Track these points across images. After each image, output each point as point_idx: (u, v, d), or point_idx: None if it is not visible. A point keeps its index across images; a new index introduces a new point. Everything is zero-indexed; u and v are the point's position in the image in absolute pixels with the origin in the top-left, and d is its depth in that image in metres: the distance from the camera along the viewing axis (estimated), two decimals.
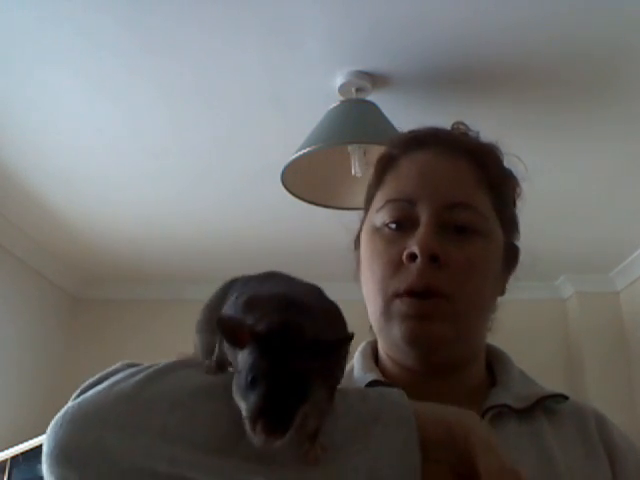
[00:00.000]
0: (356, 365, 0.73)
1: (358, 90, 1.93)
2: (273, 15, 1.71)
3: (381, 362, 0.73)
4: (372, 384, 0.67)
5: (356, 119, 1.85)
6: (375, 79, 1.94)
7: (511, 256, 0.73)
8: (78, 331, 3.47)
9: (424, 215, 0.66)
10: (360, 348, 0.76)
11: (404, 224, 0.67)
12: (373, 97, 1.95)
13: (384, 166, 0.74)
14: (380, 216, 0.69)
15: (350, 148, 1.86)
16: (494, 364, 0.73)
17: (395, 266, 0.66)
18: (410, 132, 0.75)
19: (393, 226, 0.68)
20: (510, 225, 0.73)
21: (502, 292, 0.73)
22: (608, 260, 3.33)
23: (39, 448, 2.61)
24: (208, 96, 2.03)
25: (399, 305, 0.65)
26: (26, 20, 1.71)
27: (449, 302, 0.64)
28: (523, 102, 2.06)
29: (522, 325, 3.07)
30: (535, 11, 1.69)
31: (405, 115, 2.05)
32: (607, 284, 3.50)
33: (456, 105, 2.07)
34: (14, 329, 2.96)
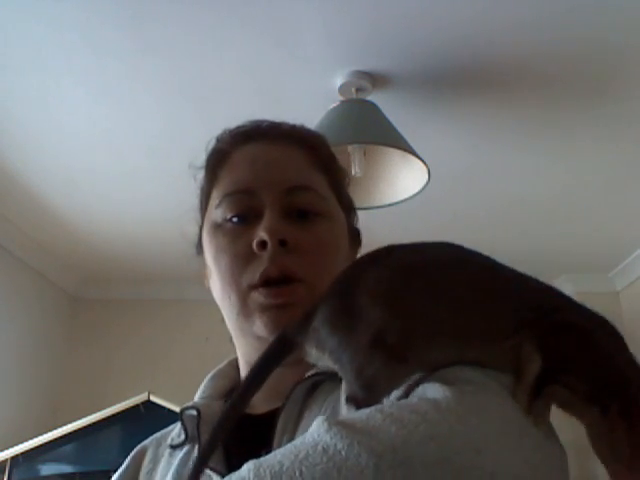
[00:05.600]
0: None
1: (358, 90, 1.93)
2: (273, 15, 1.71)
3: (242, 373, 0.72)
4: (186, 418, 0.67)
5: (356, 119, 1.85)
6: (375, 79, 1.94)
7: (354, 237, 0.74)
8: (78, 331, 3.47)
9: (267, 202, 0.66)
10: (215, 371, 0.74)
11: (247, 216, 0.66)
12: (373, 97, 1.95)
13: (215, 162, 0.73)
14: (220, 212, 0.68)
15: (350, 148, 1.86)
16: None
17: (245, 259, 0.64)
18: (236, 127, 0.75)
19: (235, 220, 0.66)
20: (348, 207, 0.74)
21: None
22: (608, 260, 3.33)
23: (39, 448, 2.59)
24: (207, 96, 2.03)
25: (257, 297, 0.64)
26: (27, 21, 1.71)
27: (305, 287, 0.64)
28: (523, 102, 2.06)
29: None
30: (534, 11, 1.69)
31: (405, 115, 2.05)
32: (607, 284, 3.50)
33: (456, 105, 2.07)
34: (14, 329, 2.96)
